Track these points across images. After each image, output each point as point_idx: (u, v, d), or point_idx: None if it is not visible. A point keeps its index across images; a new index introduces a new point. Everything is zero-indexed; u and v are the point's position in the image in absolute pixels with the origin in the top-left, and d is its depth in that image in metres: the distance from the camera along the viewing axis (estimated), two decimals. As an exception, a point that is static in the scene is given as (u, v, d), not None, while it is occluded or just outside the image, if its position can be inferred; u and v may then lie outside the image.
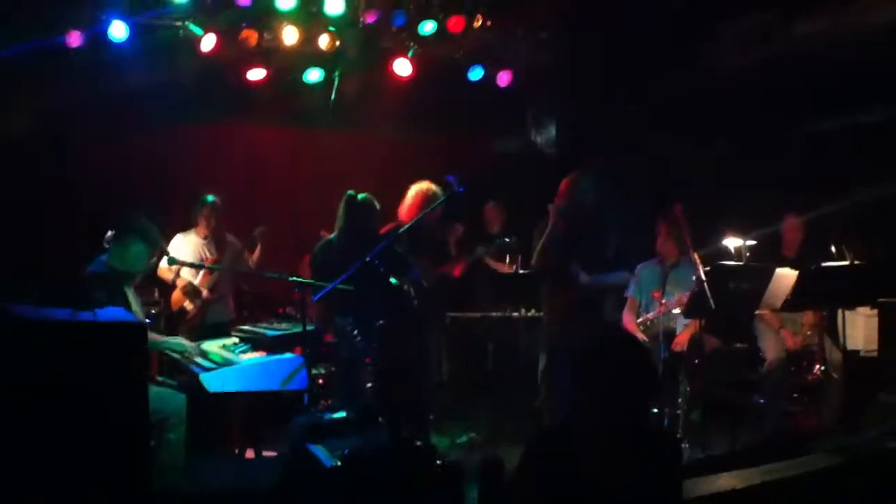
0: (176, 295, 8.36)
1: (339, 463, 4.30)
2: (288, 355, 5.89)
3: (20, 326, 3.44)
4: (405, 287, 6.42)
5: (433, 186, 6.96)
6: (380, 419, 5.16)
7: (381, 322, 5.46)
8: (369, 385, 6.03)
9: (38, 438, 3.31)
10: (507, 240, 8.29)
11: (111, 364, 3.41)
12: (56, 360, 3.37)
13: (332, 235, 6.88)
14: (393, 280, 6.32)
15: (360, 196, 6.77)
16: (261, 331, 6.35)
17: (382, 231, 6.90)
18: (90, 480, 3.37)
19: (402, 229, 6.28)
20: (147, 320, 7.82)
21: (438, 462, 4.39)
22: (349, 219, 6.71)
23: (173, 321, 8.31)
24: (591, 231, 6.74)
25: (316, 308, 7.16)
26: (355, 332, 5.56)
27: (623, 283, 7.37)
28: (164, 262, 7.63)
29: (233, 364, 5.79)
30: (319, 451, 4.54)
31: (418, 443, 4.61)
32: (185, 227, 8.55)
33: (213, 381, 5.63)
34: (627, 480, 3.15)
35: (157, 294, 8.58)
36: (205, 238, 8.51)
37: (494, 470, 4.27)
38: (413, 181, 7.40)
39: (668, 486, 3.31)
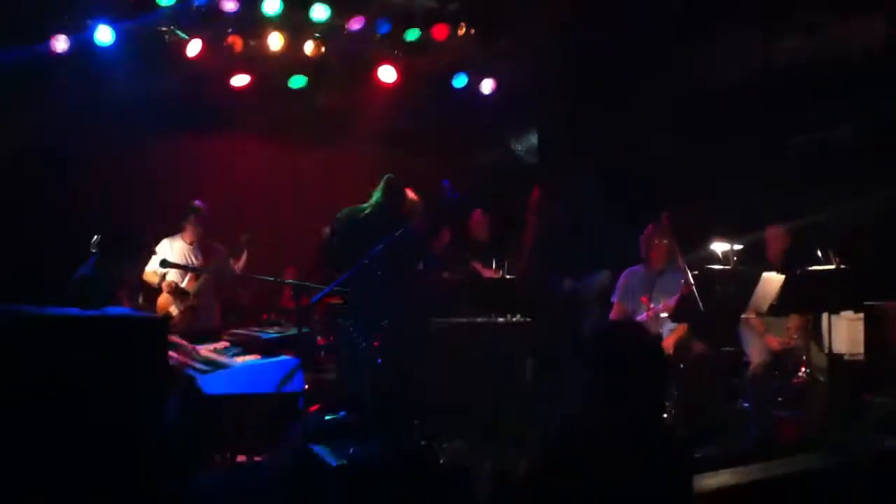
0: (161, 300, 8.32)
1: (345, 462, 4.29)
2: (283, 358, 5.84)
3: (43, 323, 3.42)
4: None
5: (413, 195, 6.93)
6: (381, 420, 5.16)
7: (384, 322, 5.45)
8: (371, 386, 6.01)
9: (61, 436, 3.28)
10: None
11: (136, 359, 3.38)
12: (81, 356, 3.34)
13: (361, 206, 6.78)
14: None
15: (396, 181, 6.73)
16: (254, 334, 6.33)
17: None
18: (112, 478, 3.34)
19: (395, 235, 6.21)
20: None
21: (443, 461, 4.40)
22: (387, 199, 6.63)
23: (158, 327, 8.26)
24: (566, 238, 6.79)
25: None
26: (356, 333, 5.55)
27: (604, 284, 7.39)
28: (150, 266, 7.60)
29: (227, 367, 5.76)
30: (324, 451, 4.54)
31: (423, 443, 4.61)
32: (168, 233, 8.52)
33: (210, 384, 5.58)
34: (640, 478, 3.14)
35: (141, 299, 8.52)
36: (191, 244, 8.48)
37: (505, 471, 4.28)
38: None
39: (680, 483, 3.31)
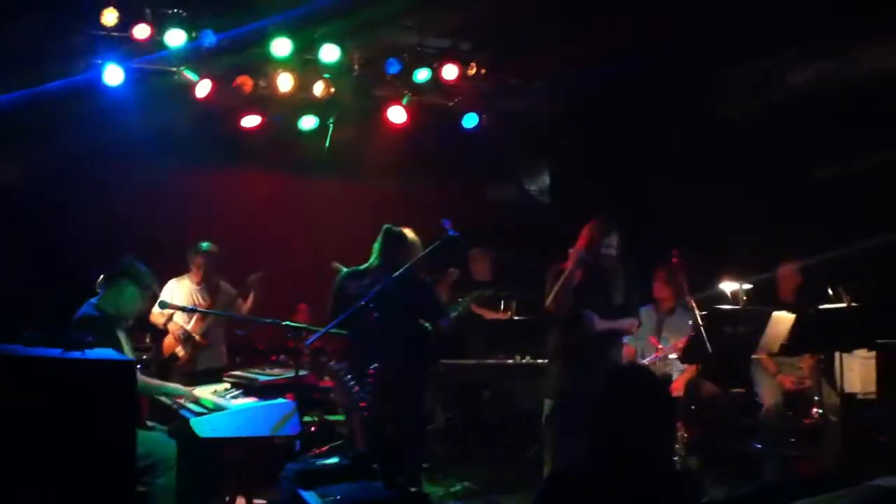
0: (168, 341, 8.31)
1: (329, 508, 4.22)
2: (279, 401, 5.80)
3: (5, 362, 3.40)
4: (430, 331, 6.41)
5: (411, 234, 6.85)
6: (374, 466, 5.07)
7: (373, 366, 5.34)
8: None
9: (19, 475, 3.26)
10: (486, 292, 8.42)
11: (98, 402, 3.37)
12: (40, 396, 3.33)
13: (365, 265, 6.69)
14: (427, 324, 6.35)
15: (395, 229, 6.63)
16: (252, 376, 6.28)
17: None
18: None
19: (393, 276, 6.12)
20: (139, 365, 7.79)
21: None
22: (388, 248, 6.53)
23: (165, 367, 8.23)
24: (607, 279, 6.64)
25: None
26: (349, 376, 5.45)
27: (631, 329, 7.21)
28: (156, 307, 7.59)
29: (223, 409, 5.72)
30: (311, 496, 4.46)
31: (412, 489, 4.52)
32: (177, 273, 8.51)
33: (204, 427, 5.56)
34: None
35: (148, 339, 8.53)
36: (198, 284, 8.47)
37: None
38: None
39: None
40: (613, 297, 6.65)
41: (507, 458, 8.15)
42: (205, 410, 5.75)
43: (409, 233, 6.72)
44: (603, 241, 6.58)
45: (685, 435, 7.40)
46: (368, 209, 9.57)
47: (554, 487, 3.27)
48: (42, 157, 8.22)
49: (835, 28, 7.65)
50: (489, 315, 9.03)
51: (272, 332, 8.66)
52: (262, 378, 6.13)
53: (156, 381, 6.45)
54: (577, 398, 6.09)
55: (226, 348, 8.65)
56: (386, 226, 6.58)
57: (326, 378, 7.21)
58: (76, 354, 3.80)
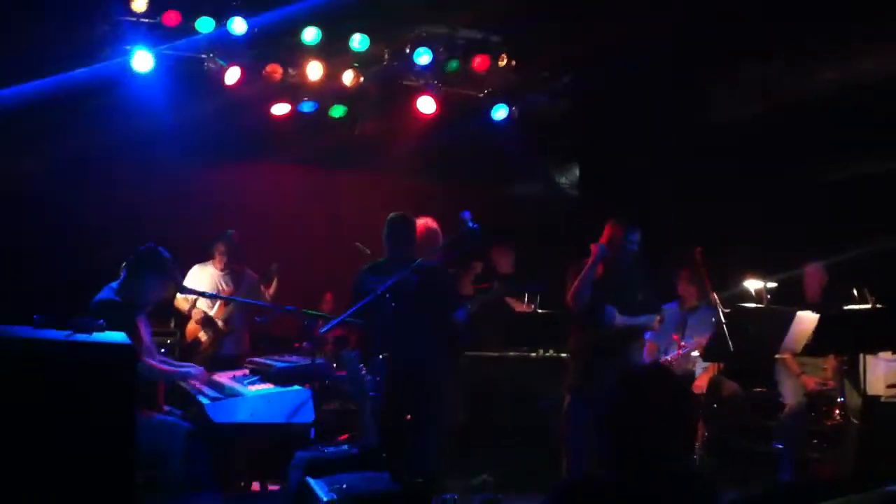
0: (191, 326, 8.37)
1: (335, 497, 4.22)
2: (295, 388, 5.79)
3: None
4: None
5: (432, 223, 6.80)
6: (383, 455, 5.06)
7: (382, 356, 5.32)
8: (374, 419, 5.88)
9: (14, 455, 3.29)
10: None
11: (95, 384, 3.38)
12: (36, 377, 3.35)
13: (383, 258, 6.66)
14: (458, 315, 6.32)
15: (397, 217, 6.49)
16: (269, 363, 6.29)
17: None
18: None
19: (413, 266, 6.07)
20: (162, 350, 7.84)
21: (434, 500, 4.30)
22: (394, 238, 6.44)
23: (187, 352, 8.28)
24: (628, 276, 6.60)
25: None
26: (361, 366, 5.44)
27: (650, 327, 7.15)
28: (180, 293, 7.64)
29: (239, 395, 5.74)
30: (318, 485, 4.47)
31: (420, 480, 4.50)
32: (202, 259, 8.56)
33: (218, 412, 5.56)
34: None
35: (172, 325, 8.58)
36: (222, 270, 8.52)
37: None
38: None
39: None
40: (634, 293, 6.62)
41: (526, 451, 8.10)
42: (221, 396, 5.76)
43: (428, 221, 6.69)
44: (625, 237, 6.55)
45: (705, 434, 7.34)
46: (392, 201, 9.39)
47: (561, 492, 3.23)
48: (68, 145, 8.26)
49: (835, 28, 7.56)
50: (518, 307, 8.99)
51: (290, 319, 8.70)
52: (278, 365, 6.14)
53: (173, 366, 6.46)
54: (593, 394, 6.07)
55: (248, 335, 8.69)
56: (390, 215, 6.50)
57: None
58: (82, 337, 3.82)
